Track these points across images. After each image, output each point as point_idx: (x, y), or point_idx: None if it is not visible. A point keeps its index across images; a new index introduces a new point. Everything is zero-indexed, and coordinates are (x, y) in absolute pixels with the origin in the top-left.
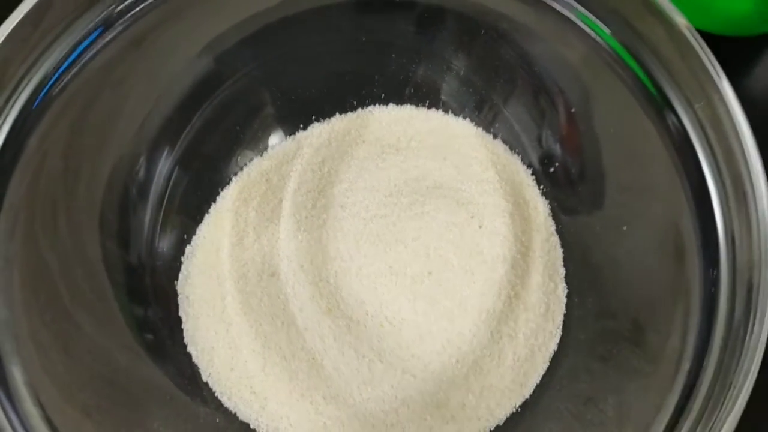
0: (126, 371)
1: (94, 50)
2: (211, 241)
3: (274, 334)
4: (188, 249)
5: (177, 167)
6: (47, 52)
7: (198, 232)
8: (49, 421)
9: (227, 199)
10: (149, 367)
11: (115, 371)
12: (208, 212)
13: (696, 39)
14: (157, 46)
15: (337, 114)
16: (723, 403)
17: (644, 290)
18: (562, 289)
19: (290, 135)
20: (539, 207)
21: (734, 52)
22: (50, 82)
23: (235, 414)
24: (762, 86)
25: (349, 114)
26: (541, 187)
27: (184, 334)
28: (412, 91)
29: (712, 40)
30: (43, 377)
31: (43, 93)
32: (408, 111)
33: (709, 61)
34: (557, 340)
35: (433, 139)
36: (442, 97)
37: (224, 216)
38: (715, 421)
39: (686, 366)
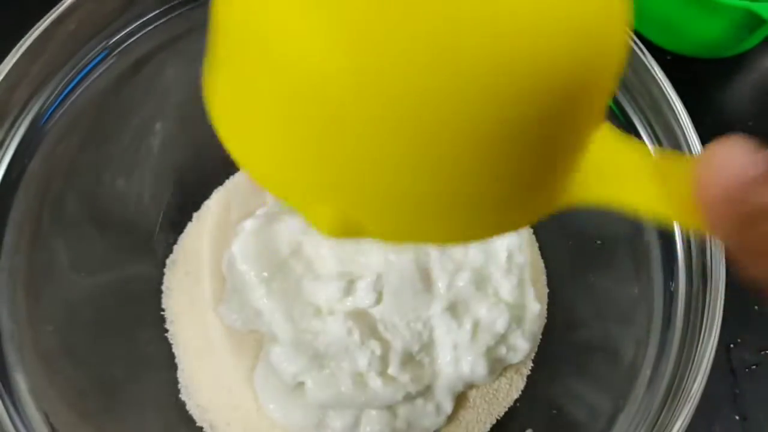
0: (125, 381)
1: (96, 75)
2: (192, 249)
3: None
4: (169, 259)
5: (172, 184)
6: (51, 77)
7: (179, 241)
8: (51, 425)
9: (210, 208)
10: (147, 378)
11: (115, 381)
12: (191, 221)
13: (651, 66)
14: (156, 73)
15: None
16: (676, 405)
17: (612, 302)
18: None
19: None
20: None
21: (709, 72)
22: (53, 106)
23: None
24: (736, 105)
25: None
26: None
27: (173, 347)
28: None
29: (689, 61)
30: (45, 385)
31: (46, 116)
32: None
33: (664, 86)
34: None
35: None
36: None
37: (204, 225)
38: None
39: (647, 372)
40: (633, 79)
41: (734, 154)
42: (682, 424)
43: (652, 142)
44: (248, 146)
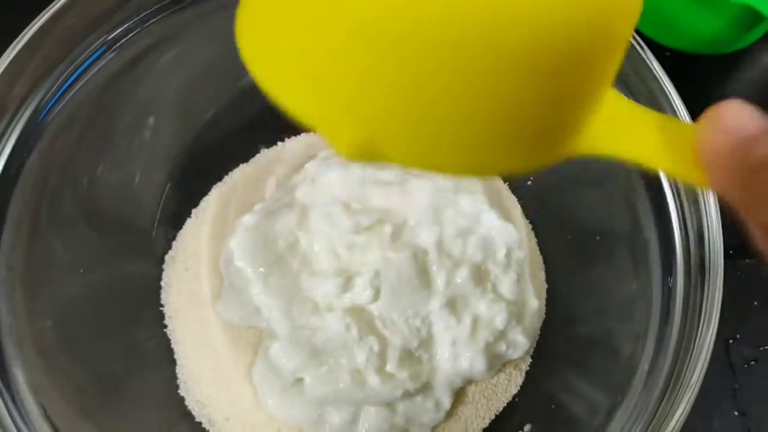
0: (124, 376)
1: (93, 72)
2: (192, 244)
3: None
4: (168, 255)
5: (171, 180)
6: (48, 73)
7: (178, 237)
8: (49, 419)
9: (210, 204)
10: (146, 373)
11: (114, 376)
12: (190, 217)
13: (650, 61)
14: (153, 68)
15: None
16: (674, 399)
17: (611, 297)
18: (536, 294)
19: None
20: (517, 214)
21: (708, 69)
22: (51, 102)
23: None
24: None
25: None
26: (521, 201)
27: (172, 343)
28: None
29: (688, 58)
30: (44, 379)
31: (45, 111)
32: None
33: (663, 81)
34: (531, 344)
35: None
36: None
37: (204, 221)
38: (668, 415)
39: (645, 366)
40: (632, 76)
41: (736, 112)
42: (679, 418)
43: None
44: (277, 70)
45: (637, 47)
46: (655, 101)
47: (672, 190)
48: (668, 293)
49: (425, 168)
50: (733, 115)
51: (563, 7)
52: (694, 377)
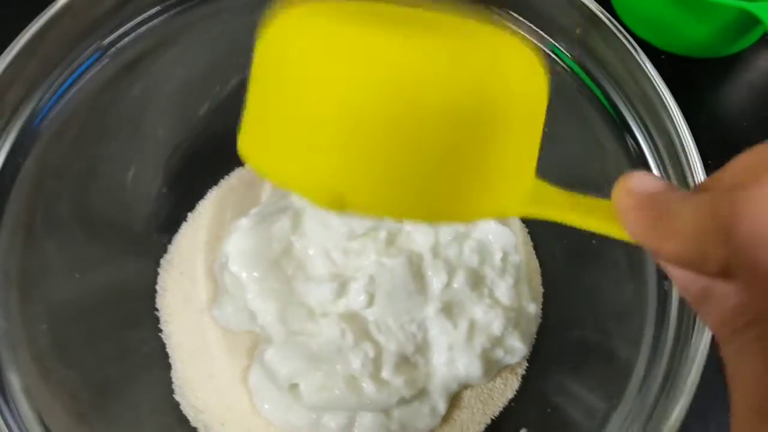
0: (119, 381)
1: (90, 75)
2: (187, 248)
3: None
4: (164, 259)
5: (167, 184)
6: (44, 78)
7: (173, 241)
8: (44, 424)
9: (205, 208)
10: (141, 378)
11: (109, 380)
12: (185, 221)
13: (647, 66)
14: (148, 73)
15: None
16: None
17: (607, 301)
18: (533, 299)
19: None
20: (514, 218)
21: (703, 72)
22: (47, 106)
23: None
24: (729, 104)
25: None
26: None
27: (167, 348)
28: None
29: (684, 61)
30: (39, 384)
31: (41, 115)
32: None
33: (658, 85)
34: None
35: None
36: None
37: (200, 225)
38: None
39: (640, 371)
40: (627, 78)
41: (641, 176)
42: (675, 422)
43: (646, 141)
44: (269, 159)
45: (632, 50)
46: (649, 104)
47: None
48: (663, 297)
49: (382, 214)
50: (639, 177)
51: (463, 102)
52: (690, 381)
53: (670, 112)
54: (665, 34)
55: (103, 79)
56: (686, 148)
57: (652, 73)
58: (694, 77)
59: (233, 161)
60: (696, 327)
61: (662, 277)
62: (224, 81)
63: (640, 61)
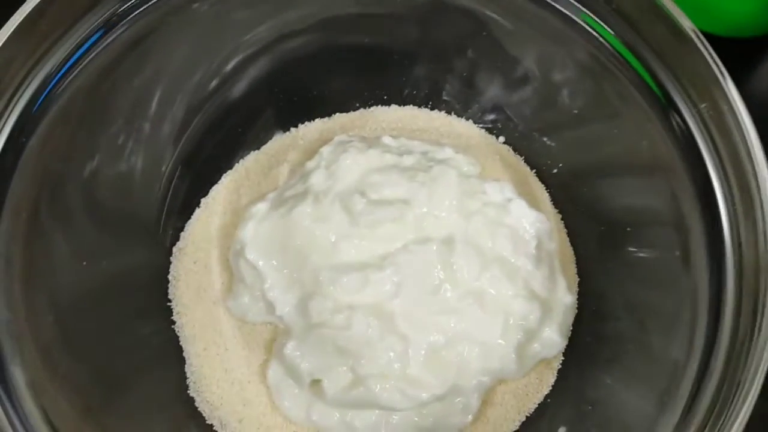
0: (130, 376)
1: (95, 52)
2: (201, 236)
3: None
4: (176, 247)
5: (179, 168)
6: (48, 55)
7: (186, 228)
8: (49, 422)
9: (220, 193)
10: (154, 373)
11: (119, 375)
12: (199, 206)
13: (701, 41)
14: (158, 48)
15: (338, 114)
16: (730, 407)
17: (650, 292)
18: (569, 287)
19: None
20: (546, 204)
21: (737, 53)
22: (51, 84)
23: None
24: (764, 86)
25: (351, 113)
26: (549, 190)
27: (180, 340)
28: (415, 92)
29: (715, 41)
30: (44, 379)
31: (44, 95)
32: (410, 111)
33: (714, 63)
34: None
35: (437, 135)
36: (445, 98)
37: (214, 211)
38: (723, 422)
39: (693, 369)
40: (673, 51)
41: None
42: (738, 426)
43: (695, 121)
44: None
45: (677, 18)
46: (699, 80)
47: (720, 177)
48: (717, 288)
49: None
50: None
51: None
52: (755, 385)
53: (725, 89)
54: (703, 13)
55: (107, 56)
56: (743, 129)
57: (703, 44)
58: (729, 57)
59: (248, 143)
60: (759, 322)
61: (715, 265)
62: (240, 59)
63: (687, 30)
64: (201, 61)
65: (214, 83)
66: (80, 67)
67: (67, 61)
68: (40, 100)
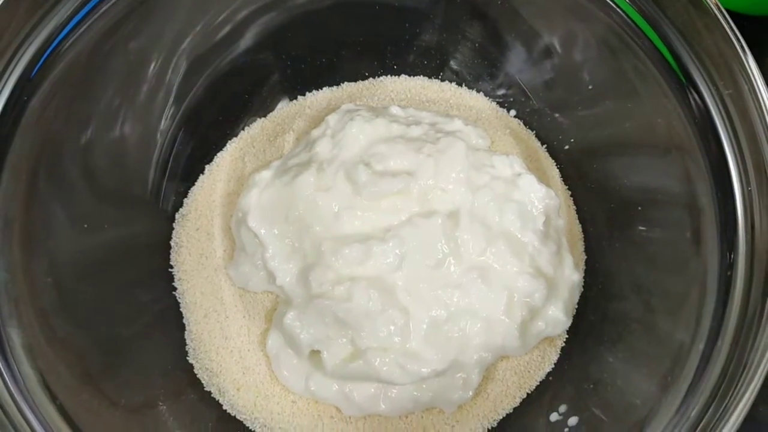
0: (129, 341)
1: (98, 12)
2: (204, 202)
3: None
4: (179, 213)
5: (181, 131)
6: (49, 15)
7: (190, 194)
8: (46, 386)
9: (224, 159)
10: (153, 338)
11: (119, 340)
12: (203, 173)
13: (724, 17)
14: (159, 8)
15: (347, 83)
16: (736, 388)
17: (658, 272)
18: (575, 265)
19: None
20: (556, 180)
21: (760, 31)
22: (52, 45)
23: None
24: None
25: (359, 82)
26: (560, 166)
27: (181, 307)
28: (426, 62)
29: (739, 18)
30: (42, 341)
31: (44, 56)
32: (421, 81)
33: (737, 40)
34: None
35: (446, 106)
36: (456, 68)
37: (218, 178)
38: (726, 405)
39: (698, 350)
40: (693, 27)
41: None
42: (741, 409)
43: (713, 100)
44: None
45: (715, 11)
46: (720, 57)
47: (735, 157)
48: (727, 270)
49: None
50: None
51: None
52: (761, 368)
53: (747, 67)
54: None
55: (107, 18)
56: (763, 109)
57: (726, 21)
58: (751, 36)
59: (255, 110)
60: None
61: (727, 247)
62: (248, 22)
63: (710, 6)
64: (203, 24)
65: (216, 46)
66: (83, 27)
67: (66, 24)
68: (39, 64)
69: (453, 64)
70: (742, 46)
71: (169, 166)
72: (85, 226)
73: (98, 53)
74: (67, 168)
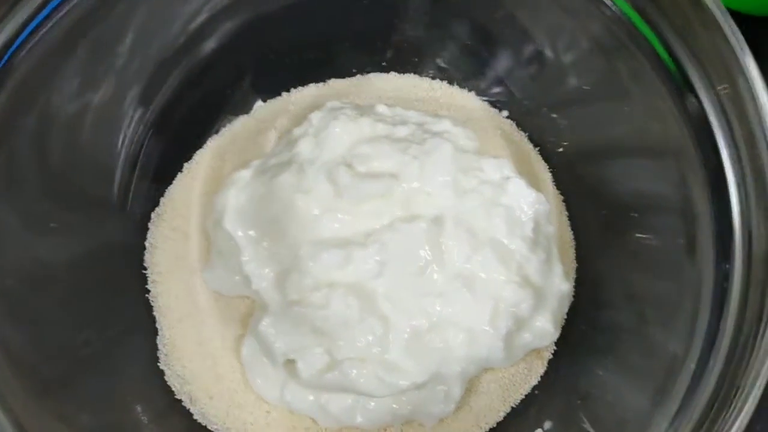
0: (98, 346)
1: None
2: (182, 201)
3: None
4: (154, 213)
5: (152, 129)
6: (18, 6)
7: (167, 193)
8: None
9: (204, 157)
10: (123, 343)
11: (86, 345)
12: (181, 172)
13: (723, 16)
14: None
15: (333, 79)
16: (729, 407)
17: (651, 281)
18: (566, 274)
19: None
20: (548, 184)
21: (760, 32)
22: (21, 38)
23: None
24: None
25: (346, 79)
26: (553, 170)
27: (154, 310)
28: (416, 60)
29: (739, 18)
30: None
31: (12, 49)
32: (410, 79)
33: (737, 40)
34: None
35: (436, 106)
36: (448, 68)
37: (196, 176)
38: (719, 425)
39: (691, 365)
40: (691, 26)
41: None
42: (737, 428)
43: (712, 103)
44: None
45: (714, 8)
46: (719, 58)
47: (733, 163)
48: (722, 280)
49: None
50: None
51: None
52: (757, 384)
53: (745, 69)
54: None
55: (80, 8)
56: (762, 113)
57: (725, 20)
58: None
59: (236, 107)
60: (765, 317)
61: (722, 257)
62: (220, 8)
63: (709, 4)
64: (177, 13)
65: (192, 37)
66: (54, 19)
67: (38, 13)
68: (6, 56)
69: (444, 62)
70: (741, 47)
71: (139, 164)
72: (53, 224)
73: (61, 47)
74: (31, 162)
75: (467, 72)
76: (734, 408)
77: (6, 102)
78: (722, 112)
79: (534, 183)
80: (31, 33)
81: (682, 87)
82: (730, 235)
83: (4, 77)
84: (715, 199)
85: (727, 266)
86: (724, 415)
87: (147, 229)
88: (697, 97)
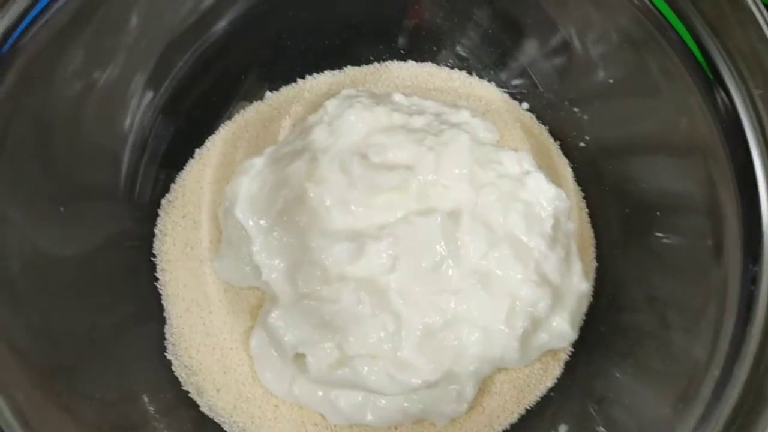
0: (104, 333)
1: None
2: (192, 189)
3: None
4: (165, 199)
5: (161, 114)
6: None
7: (178, 179)
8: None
9: (215, 144)
10: (130, 331)
11: (92, 332)
12: (192, 157)
13: (759, 10)
14: None
15: (350, 67)
16: (756, 417)
17: (675, 283)
18: (585, 273)
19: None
20: (569, 180)
21: None
22: (27, 20)
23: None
24: None
25: (363, 67)
26: (573, 165)
27: (162, 299)
28: (435, 48)
29: None
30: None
31: (18, 31)
32: (429, 68)
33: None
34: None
35: (454, 96)
36: (468, 57)
37: (207, 163)
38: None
39: (715, 372)
40: (724, 20)
41: None
42: None
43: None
44: None
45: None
46: (752, 54)
47: (764, 162)
48: (750, 285)
49: None
50: None
51: None
52: None
53: None
54: None
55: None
56: None
57: (761, 14)
58: None
59: (250, 93)
60: None
61: (749, 259)
62: None
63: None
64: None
65: (205, 20)
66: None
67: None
68: (11, 40)
69: (464, 51)
70: None
71: (148, 149)
72: (62, 208)
73: (68, 28)
74: (41, 144)
75: (488, 61)
76: (762, 417)
77: (12, 85)
78: (753, 111)
79: (554, 178)
80: (36, 17)
81: (713, 84)
82: (758, 237)
83: (10, 59)
84: (743, 200)
85: (755, 269)
86: (750, 426)
87: (156, 215)
88: (728, 93)
